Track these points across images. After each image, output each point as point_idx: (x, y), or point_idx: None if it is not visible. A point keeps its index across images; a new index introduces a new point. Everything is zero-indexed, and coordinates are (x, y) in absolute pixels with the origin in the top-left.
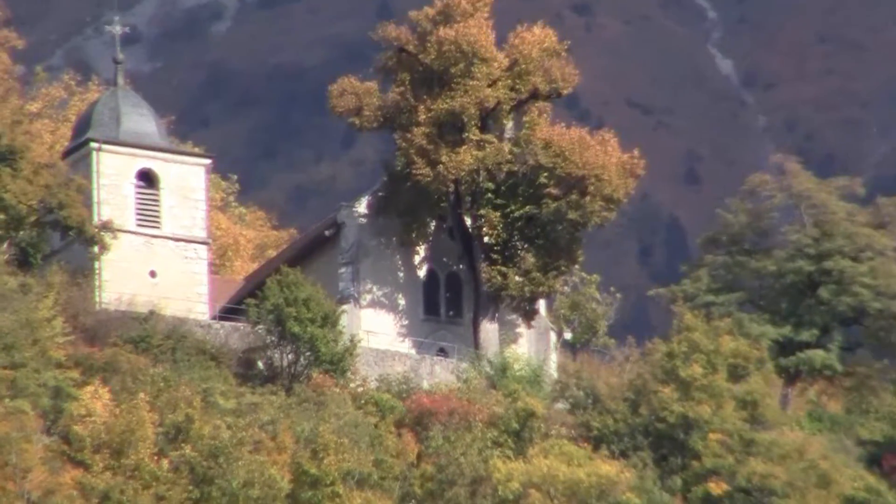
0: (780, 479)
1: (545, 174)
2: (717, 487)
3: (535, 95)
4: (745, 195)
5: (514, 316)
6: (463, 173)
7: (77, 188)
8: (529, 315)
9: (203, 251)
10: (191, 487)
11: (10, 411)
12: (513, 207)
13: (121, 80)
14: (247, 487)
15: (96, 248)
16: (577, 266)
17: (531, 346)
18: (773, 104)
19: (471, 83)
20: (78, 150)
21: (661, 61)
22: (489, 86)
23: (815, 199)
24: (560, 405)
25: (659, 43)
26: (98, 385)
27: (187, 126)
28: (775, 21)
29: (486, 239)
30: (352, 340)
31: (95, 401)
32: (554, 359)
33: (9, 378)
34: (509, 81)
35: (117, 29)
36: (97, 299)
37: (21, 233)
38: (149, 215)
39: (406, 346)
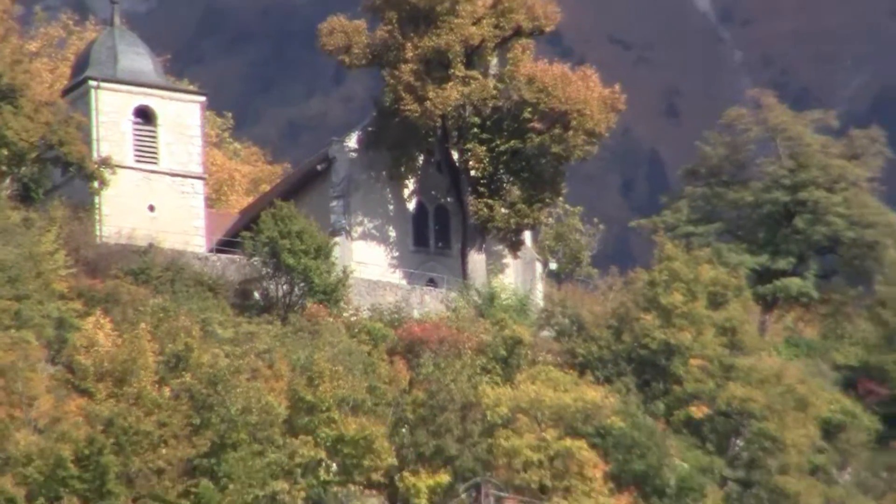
0: (759, 403)
1: (529, 109)
2: (698, 411)
3: (518, 33)
4: (722, 129)
5: (500, 247)
6: (449, 108)
7: (76, 125)
8: (515, 246)
9: (199, 186)
10: (191, 413)
11: (15, 341)
12: (498, 142)
13: (117, 20)
14: (245, 413)
15: (96, 184)
16: (560, 198)
17: (517, 276)
18: (749, 40)
19: (456, 21)
20: (77, 89)
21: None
22: (474, 23)
23: (790, 132)
24: (546, 333)
25: None
26: (100, 316)
27: (183, 64)
28: None
29: (472, 172)
30: (344, 271)
31: (97, 331)
32: (539, 288)
33: (13, 309)
34: (493, 19)
35: None
36: (98, 233)
37: (23, 169)
38: (146, 151)
39: (397, 277)
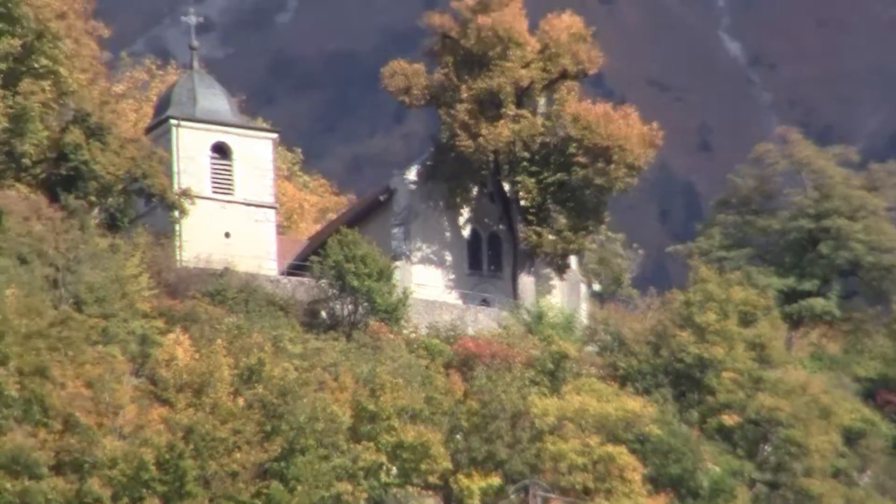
0: (786, 412)
1: (574, 144)
2: (729, 419)
3: (564, 75)
4: (752, 162)
5: (548, 270)
6: (501, 144)
7: (159, 160)
8: (562, 269)
9: (271, 214)
10: (263, 421)
11: (103, 356)
12: (546, 174)
13: (196, 64)
14: (312, 422)
15: (177, 213)
16: (603, 226)
17: (563, 296)
18: (776, 82)
19: (507, 65)
20: (159, 127)
21: (677, 45)
22: (523, 67)
23: (814, 166)
24: (590, 348)
25: (674, 28)
26: (179, 333)
27: (255, 105)
28: (778, 7)
29: (522, 202)
30: (404, 292)
31: (177, 347)
32: (584, 308)
33: (100, 327)
34: (541, 63)
35: (192, 19)
36: (178, 258)
37: (110, 200)
38: (223, 183)
39: (453, 298)
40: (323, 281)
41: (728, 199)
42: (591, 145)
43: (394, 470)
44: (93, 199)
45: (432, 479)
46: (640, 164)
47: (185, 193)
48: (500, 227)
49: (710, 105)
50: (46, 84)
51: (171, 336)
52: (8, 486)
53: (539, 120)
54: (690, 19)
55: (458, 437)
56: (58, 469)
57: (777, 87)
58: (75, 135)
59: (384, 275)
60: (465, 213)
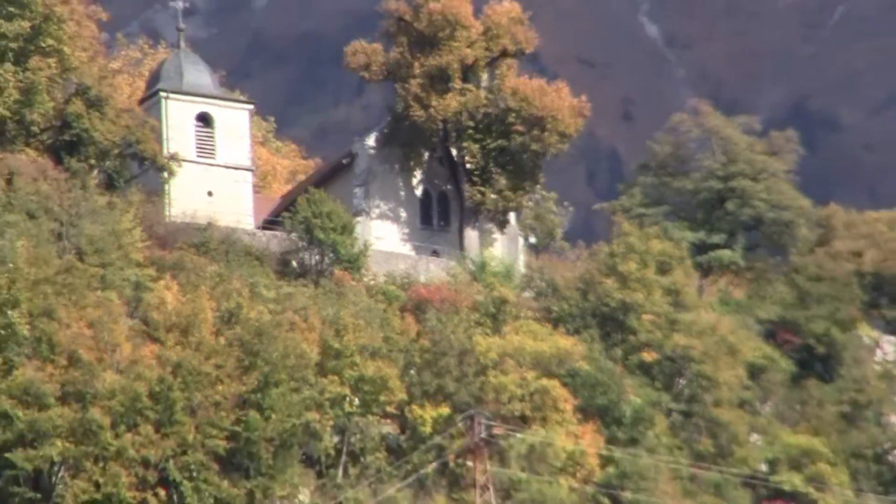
0: (698, 350)
1: (513, 115)
2: (648, 356)
3: (504, 54)
4: (668, 131)
5: (490, 225)
6: (449, 115)
7: (150, 128)
8: (502, 224)
9: (248, 176)
10: (242, 358)
11: (102, 300)
12: (488, 141)
13: (182, 44)
14: (284, 358)
15: (166, 174)
16: (538, 186)
17: (504, 248)
18: (689, 60)
19: (454, 45)
20: (150, 99)
21: (603, 27)
22: (468, 47)
23: (722, 134)
24: (527, 294)
25: (601, 12)
26: (168, 280)
27: (234, 79)
28: None
29: (467, 165)
30: (365, 245)
31: (167, 292)
32: (521, 258)
33: (100, 274)
34: (484, 43)
35: (179, 4)
36: (167, 214)
37: (107, 162)
38: (206, 148)
39: (407, 249)
40: (293, 234)
41: (647, 164)
42: (527, 116)
43: (356, 401)
44: (92, 162)
45: (390, 409)
46: (570, 133)
47: (173, 157)
48: (448, 187)
49: (631, 80)
50: (52, 61)
51: (161, 283)
52: (20, 414)
53: (482, 93)
54: (615, 5)
55: (412, 372)
56: (63, 399)
57: (690, 64)
58: (77, 106)
59: (347, 229)
60: (418, 174)
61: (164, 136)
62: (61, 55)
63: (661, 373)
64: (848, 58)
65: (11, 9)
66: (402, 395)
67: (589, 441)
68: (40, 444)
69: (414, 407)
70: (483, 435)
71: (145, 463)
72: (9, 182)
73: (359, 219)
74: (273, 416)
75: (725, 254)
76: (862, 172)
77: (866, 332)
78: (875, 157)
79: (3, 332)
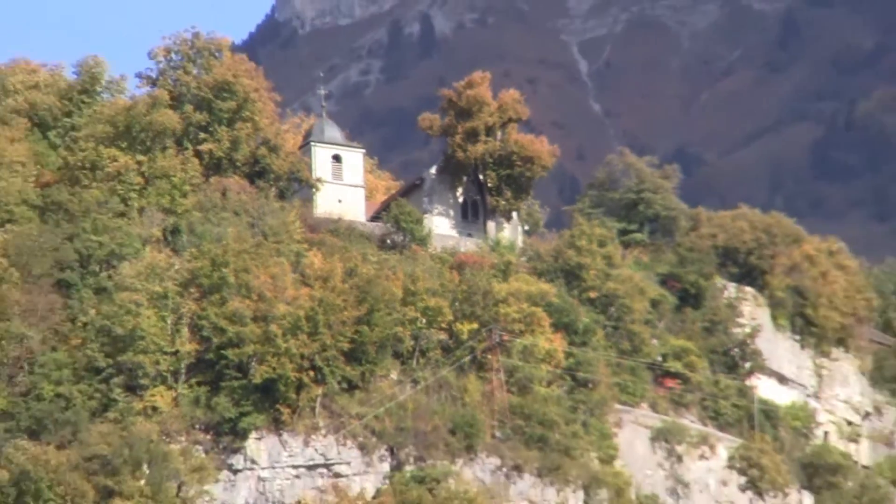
0: (621, 290)
1: (515, 155)
2: (593, 294)
3: (510, 120)
4: (605, 165)
5: (501, 219)
6: (478, 156)
7: (305, 163)
8: (508, 219)
9: (361, 191)
10: (358, 295)
11: (277, 262)
12: (500, 170)
13: (324, 114)
14: (382, 295)
15: (314, 190)
16: (530, 196)
17: (509, 232)
18: (618, 124)
19: (481, 115)
20: (305, 146)
21: (568, 105)
22: (489, 116)
23: (636, 166)
24: (523, 259)
25: (567, 97)
26: (315, 251)
27: (354, 135)
28: (620, 84)
29: (488, 185)
30: (429, 231)
31: (314, 258)
32: (520, 239)
33: (275, 248)
34: (498, 114)
35: (322, 92)
36: (314, 213)
37: (280, 183)
38: (337, 174)
39: (454, 233)
40: (388, 224)
41: (593, 184)
42: (523, 156)
43: (423, 320)
44: (271, 183)
45: (443, 325)
46: (548, 166)
47: (318, 180)
48: (478, 197)
49: (584, 136)
50: (248, 125)
51: (311, 252)
52: (230, 328)
53: (497, 143)
54: (575, 92)
55: (455, 303)
56: (254, 320)
57: (618, 126)
58: (263, 150)
59: (419, 221)
60: (460, 190)
61: (313, 168)
62: (254, 121)
63: (600, 304)
64: (710, 122)
65: (226, 94)
66: (450, 317)
67: (558, 343)
68: (242, 346)
69: (456, 324)
70: (497, 340)
71: (301, 356)
72: (223, 195)
73: (426, 216)
74: (375, 328)
75: (637, 236)
76: (717, 189)
77: (718, 281)
78: (725, 179)
79: (219, 280)
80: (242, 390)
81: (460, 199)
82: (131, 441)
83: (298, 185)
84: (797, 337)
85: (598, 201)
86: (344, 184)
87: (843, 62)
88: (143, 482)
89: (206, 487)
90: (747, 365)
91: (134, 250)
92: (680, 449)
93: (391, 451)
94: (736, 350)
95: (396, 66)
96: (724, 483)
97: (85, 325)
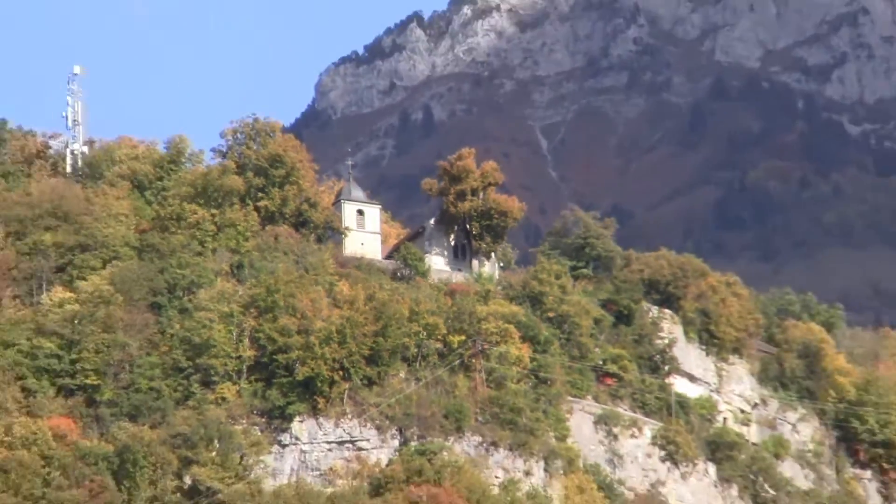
0: (572, 311)
1: (493, 210)
2: (552, 314)
3: (489, 184)
4: (560, 218)
5: (483, 258)
6: (466, 210)
7: (336, 216)
8: (489, 258)
9: (378, 237)
10: (375, 314)
11: (314, 290)
12: (482, 221)
13: (350, 179)
14: (393, 315)
15: (343, 235)
16: (504, 241)
17: (490, 268)
18: (570, 187)
19: (468, 180)
20: (337, 203)
21: (531, 173)
22: (474, 181)
23: (584, 220)
24: (499, 288)
25: (531, 167)
26: (344, 282)
27: (373, 195)
28: (582, 154)
29: (474, 232)
30: (428, 266)
31: (343, 286)
32: (497, 273)
33: (313, 279)
34: (480, 179)
35: (349, 163)
36: (344, 252)
37: (318, 230)
38: (361, 225)
39: (448, 269)
40: (398, 262)
41: (551, 231)
42: (499, 210)
43: (424, 333)
44: (311, 230)
45: (439, 336)
46: (517, 218)
47: (347, 228)
48: (465, 241)
49: (545, 196)
50: (294, 187)
51: (341, 283)
52: (279, 338)
53: (480, 201)
54: (537, 163)
55: (448, 320)
56: (298, 332)
57: (571, 188)
58: (305, 206)
59: (421, 260)
60: (452, 236)
61: (343, 219)
62: (299, 184)
63: (556, 321)
64: (639, 186)
65: (278, 164)
66: (444, 331)
67: (525, 351)
68: (289, 352)
69: (449, 336)
70: (479, 348)
71: (333, 360)
72: (275, 239)
73: (426, 255)
74: (389, 339)
75: (584, 271)
76: (644, 236)
77: (645, 305)
78: (650, 228)
79: (272, 303)
80: (289, 385)
81: (452, 243)
82: (206, 423)
83: (332, 232)
84: (703, 347)
85: (554, 245)
86: (365, 231)
87: (738, 141)
88: (214, 454)
89: (261, 458)
90: (666, 368)
91: (208, 280)
92: (616, 430)
93: (400, 430)
94: (657, 356)
95: (405, 144)
96: (649, 456)
97: (171, 336)
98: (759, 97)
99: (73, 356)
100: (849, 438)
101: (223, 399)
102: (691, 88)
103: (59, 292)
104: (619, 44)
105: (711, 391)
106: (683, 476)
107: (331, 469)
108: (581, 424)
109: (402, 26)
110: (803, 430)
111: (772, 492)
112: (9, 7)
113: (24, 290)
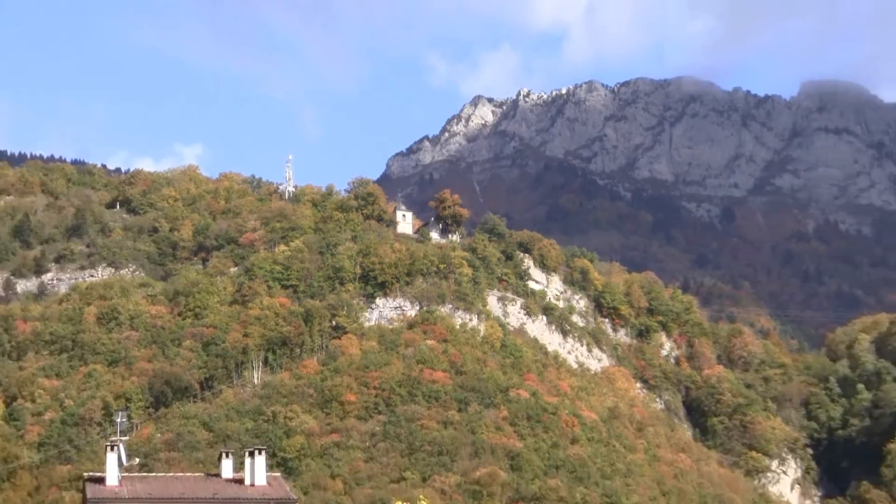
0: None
1: (457, 214)
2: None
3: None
4: None
5: (451, 233)
6: (445, 214)
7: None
8: (454, 233)
9: (410, 225)
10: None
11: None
12: (450, 218)
13: (400, 204)
14: None
15: (396, 224)
16: (461, 226)
17: (456, 237)
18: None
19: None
20: (395, 211)
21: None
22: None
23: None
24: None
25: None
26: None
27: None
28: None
29: (450, 222)
30: (430, 235)
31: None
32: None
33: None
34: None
35: (399, 196)
36: (396, 231)
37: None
38: (405, 220)
39: (438, 237)
40: (418, 235)
41: None
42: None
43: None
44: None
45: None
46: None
47: (397, 221)
48: (447, 226)
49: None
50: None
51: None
52: None
53: (451, 211)
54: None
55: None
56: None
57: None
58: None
59: (429, 236)
60: (441, 224)
61: (398, 217)
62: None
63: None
64: (581, 238)
65: (372, 198)
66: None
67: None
68: None
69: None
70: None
71: None
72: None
73: (432, 231)
74: None
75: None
76: None
77: None
78: None
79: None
80: None
81: (440, 227)
82: None
83: (392, 224)
84: None
85: None
86: (406, 223)
87: None
88: None
89: None
90: None
91: None
92: None
93: None
94: None
95: (426, 194)
96: None
97: None
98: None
99: None
100: None
101: None
102: None
103: None
104: None
105: None
106: None
107: None
108: None
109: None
110: None
111: None
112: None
113: None
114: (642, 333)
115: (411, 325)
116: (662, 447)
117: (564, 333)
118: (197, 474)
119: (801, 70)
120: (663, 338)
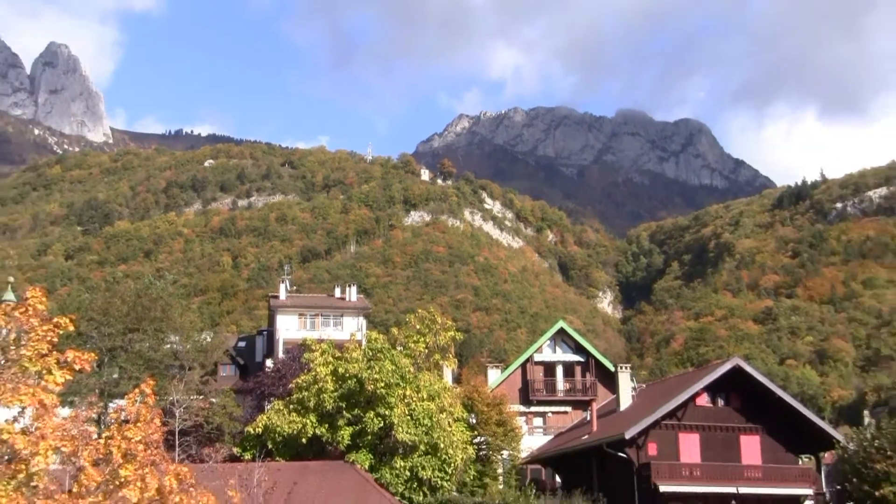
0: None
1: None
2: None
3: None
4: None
5: None
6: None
7: None
8: None
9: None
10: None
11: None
12: None
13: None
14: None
15: None
16: None
17: None
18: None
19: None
20: None
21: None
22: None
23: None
24: None
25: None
26: None
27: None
28: None
29: None
30: None
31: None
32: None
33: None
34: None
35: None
36: None
37: None
38: None
39: None
40: None
41: None
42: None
43: None
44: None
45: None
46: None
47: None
48: None
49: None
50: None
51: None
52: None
53: None
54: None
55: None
56: None
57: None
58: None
59: None
60: None
61: None
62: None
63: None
64: (511, 182)
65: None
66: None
67: None
68: None
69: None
70: None
71: None
72: None
73: None
74: None
75: None
76: None
77: None
78: None
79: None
80: None
81: None
82: None
83: None
84: None
85: None
86: None
87: None
88: None
89: None
90: None
91: None
92: None
93: None
94: None
95: None
96: None
97: None
98: None
99: None
100: None
101: None
102: None
103: None
104: None
105: None
106: None
107: None
108: None
109: None
110: None
111: None
112: None
113: None
114: (539, 230)
115: (428, 224)
116: (547, 286)
117: (501, 230)
118: (325, 294)
119: None
120: (549, 232)
